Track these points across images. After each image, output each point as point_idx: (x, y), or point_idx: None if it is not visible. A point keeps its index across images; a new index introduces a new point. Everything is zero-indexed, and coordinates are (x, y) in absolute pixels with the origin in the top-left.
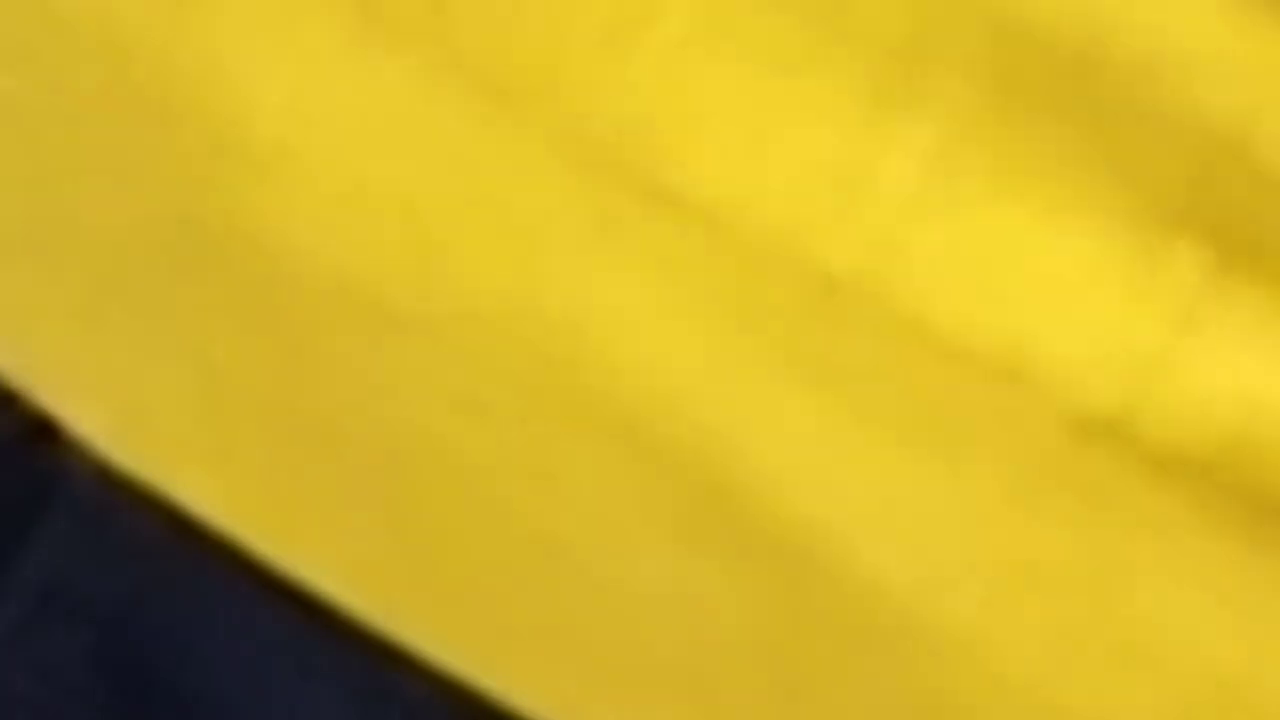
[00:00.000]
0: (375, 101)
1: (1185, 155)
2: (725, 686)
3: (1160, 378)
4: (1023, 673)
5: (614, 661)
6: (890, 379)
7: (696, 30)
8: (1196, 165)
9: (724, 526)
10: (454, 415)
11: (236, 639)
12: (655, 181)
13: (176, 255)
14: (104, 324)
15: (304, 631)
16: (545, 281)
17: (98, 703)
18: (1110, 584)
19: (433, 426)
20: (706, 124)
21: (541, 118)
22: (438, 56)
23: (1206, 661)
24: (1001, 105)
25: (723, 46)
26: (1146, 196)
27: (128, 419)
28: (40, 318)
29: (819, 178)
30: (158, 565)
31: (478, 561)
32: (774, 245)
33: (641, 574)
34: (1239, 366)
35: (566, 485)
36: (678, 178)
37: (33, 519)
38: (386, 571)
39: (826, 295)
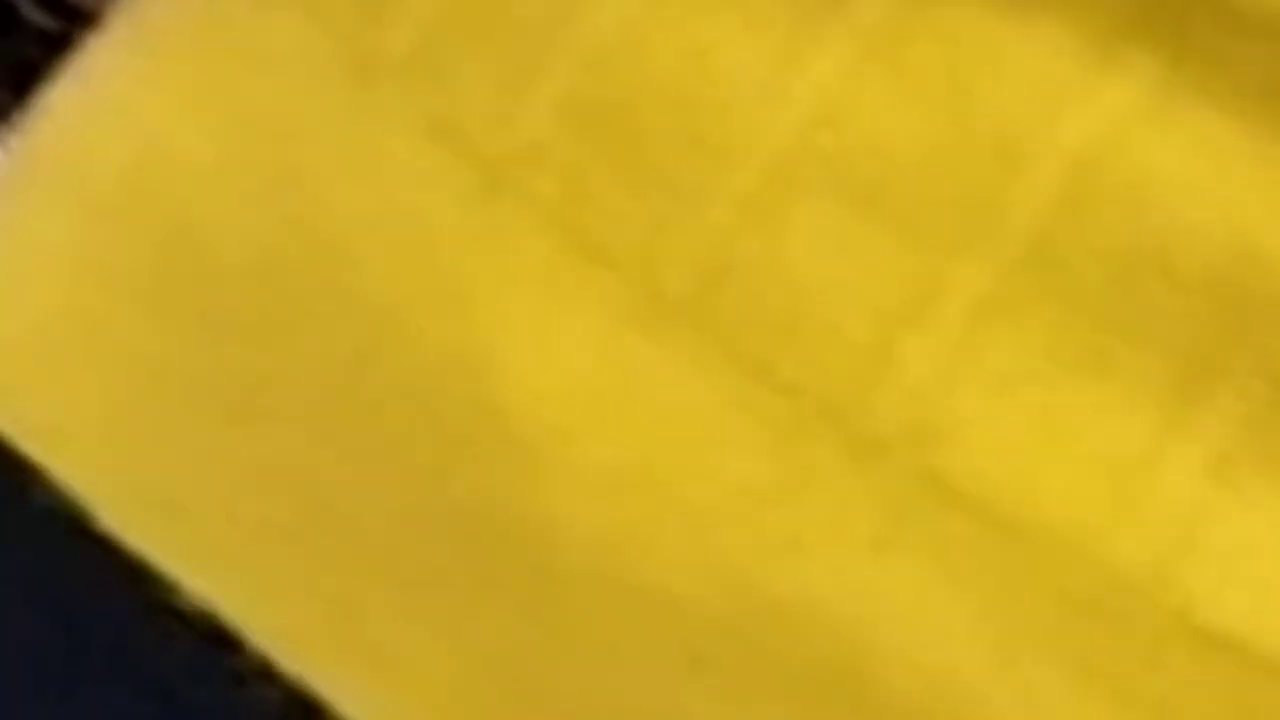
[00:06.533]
0: (643, 384)
1: None
2: None
3: None
4: None
5: None
6: (1173, 676)
7: (979, 321)
8: None
9: None
10: (716, 703)
11: None
12: (937, 476)
13: (440, 535)
14: (367, 604)
15: None
16: (823, 575)
17: None
18: None
19: (690, 706)
20: (989, 418)
21: (816, 409)
22: (708, 343)
23: None
24: None
25: (1005, 339)
26: None
27: (391, 695)
28: (303, 597)
29: (1105, 475)
30: None
31: None
32: (1058, 541)
33: None
34: None
35: None
36: (961, 472)
37: None
38: None
39: (1110, 593)
